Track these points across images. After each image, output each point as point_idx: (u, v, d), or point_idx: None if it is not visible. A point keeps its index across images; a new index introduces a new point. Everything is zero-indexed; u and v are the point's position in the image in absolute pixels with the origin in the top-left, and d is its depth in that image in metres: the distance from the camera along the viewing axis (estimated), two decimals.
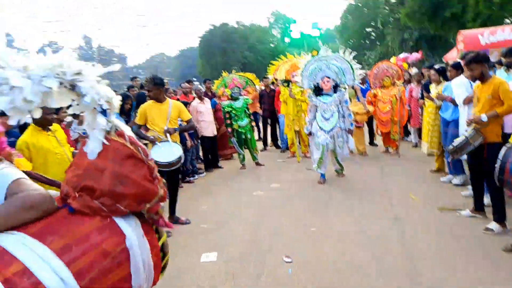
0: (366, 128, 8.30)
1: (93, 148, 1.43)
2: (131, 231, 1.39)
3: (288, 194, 5.40)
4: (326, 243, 3.71)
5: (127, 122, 5.08)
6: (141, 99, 5.27)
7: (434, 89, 5.60)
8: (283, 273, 3.16)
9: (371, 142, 8.60)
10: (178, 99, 5.88)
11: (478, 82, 3.81)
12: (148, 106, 4.29)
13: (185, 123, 4.57)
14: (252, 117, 7.21)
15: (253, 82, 7.63)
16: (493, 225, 3.63)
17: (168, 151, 4.08)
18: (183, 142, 5.54)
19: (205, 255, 3.60)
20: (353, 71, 5.66)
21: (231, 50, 42.74)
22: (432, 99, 5.53)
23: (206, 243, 3.88)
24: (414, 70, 10.46)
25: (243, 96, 7.10)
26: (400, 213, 4.35)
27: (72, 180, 1.42)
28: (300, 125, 7.32)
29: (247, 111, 7.06)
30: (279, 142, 9.00)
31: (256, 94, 8.70)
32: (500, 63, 5.21)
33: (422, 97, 6.33)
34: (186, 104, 6.68)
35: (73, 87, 1.36)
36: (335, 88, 5.57)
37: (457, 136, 4.93)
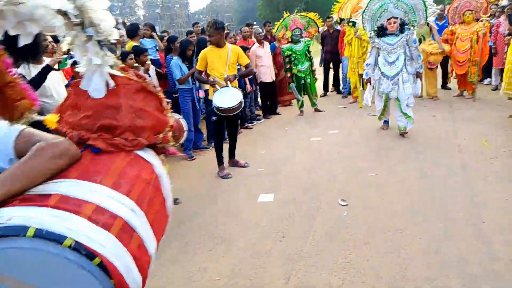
0: (439, 70, 7.61)
1: (100, 86, 1.35)
2: (155, 160, 1.43)
3: (347, 140, 5.29)
4: (384, 188, 3.65)
5: (189, 68, 5.23)
6: (202, 45, 5.31)
7: None
8: (338, 215, 3.21)
9: (444, 86, 7.90)
10: (234, 43, 5.83)
11: None
12: (208, 51, 4.29)
13: (244, 68, 4.57)
14: (313, 61, 6.94)
15: (315, 23, 7.23)
16: None
17: (229, 96, 4.16)
18: (241, 87, 5.58)
19: (263, 196, 3.77)
20: (426, 8, 4.87)
21: None
22: None
23: (264, 185, 4.04)
24: (504, 2, 9.07)
25: (304, 39, 6.80)
26: (469, 160, 4.08)
27: (82, 122, 1.35)
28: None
29: (308, 54, 6.79)
30: (341, 87, 8.66)
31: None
32: None
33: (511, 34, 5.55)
34: (246, 49, 6.64)
35: (75, 15, 1.22)
36: (402, 27, 4.86)
37: None
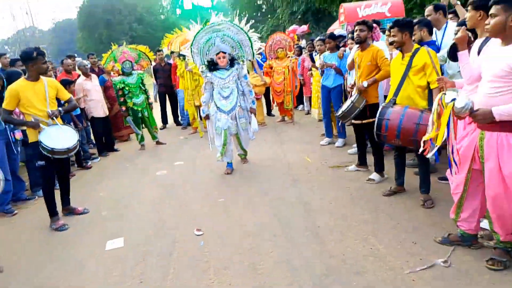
0: (264, 100, 8.62)
1: None
2: None
3: (192, 170, 5.37)
4: (234, 210, 3.84)
5: None
6: (13, 79, 4.53)
7: (319, 59, 6.05)
8: (195, 246, 3.19)
9: (269, 113, 8.99)
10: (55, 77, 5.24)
11: (358, 50, 4.23)
12: (20, 86, 3.66)
13: (66, 104, 4.10)
14: (148, 93, 6.85)
15: (147, 56, 7.20)
16: (374, 175, 4.20)
17: (61, 136, 3.67)
18: (68, 123, 4.99)
19: (111, 242, 3.42)
20: (251, 44, 4.93)
21: (116, 22, 39.44)
22: (317, 68, 5.97)
23: (110, 230, 3.68)
24: (303, 42, 11.09)
25: (136, 71, 6.66)
26: (298, 174, 4.72)
27: None
28: (200, 100, 7.20)
29: (142, 87, 6.67)
30: (180, 119, 8.79)
31: None
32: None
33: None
34: (70, 82, 6.02)
35: None
36: (232, 62, 4.81)
37: (339, 101, 5.50)
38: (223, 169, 5.13)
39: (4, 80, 4.66)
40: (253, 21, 5.06)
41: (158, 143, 6.96)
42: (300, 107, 9.44)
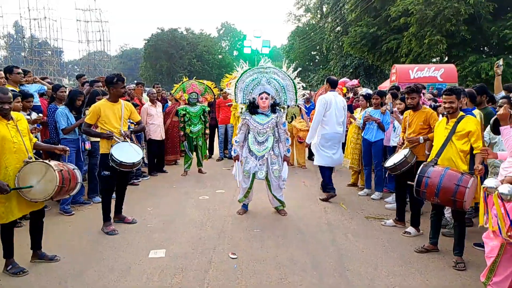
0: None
1: None
2: None
3: (233, 199, 5.67)
4: (268, 242, 4.05)
5: (77, 119, 5.04)
6: (94, 97, 5.24)
7: (359, 113, 6.35)
8: (229, 268, 3.42)
9: (310, 157, 9.21)
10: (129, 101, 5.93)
11: (410, 110, 4.44)
12: (102, 105, 4.23)
13: (134, 125, 4.65)
14: (207, 125, 7.42)
15: (212, 90, 7.90)
16: (410, 229, 4.29)
17: (129, 151, 4.17)
18: None
19: (153, 252, 3.74)
20: (296, 91, 4.92)
21: (178, 56, 42.45)
22: (354, 119, 6.25)
23: (154, 241, 4.02)
24: (350, 95, 11.44)
25: (201, 104, 7.32)
26: (333, 219, 4.86)
27: None
28: None
29: (203, 118, 7.24)
30: (219, 151, 9.27)
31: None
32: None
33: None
34: (136, 106, 6.74)
35: None
36: (273, 107, 4.76)
37: (379, 155, 5.69)
38: (261, 202, 5.35)
39: (85, 97, 5.40)
40: (300, 69, 5.09)
41: (200, 171, 7.41)
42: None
